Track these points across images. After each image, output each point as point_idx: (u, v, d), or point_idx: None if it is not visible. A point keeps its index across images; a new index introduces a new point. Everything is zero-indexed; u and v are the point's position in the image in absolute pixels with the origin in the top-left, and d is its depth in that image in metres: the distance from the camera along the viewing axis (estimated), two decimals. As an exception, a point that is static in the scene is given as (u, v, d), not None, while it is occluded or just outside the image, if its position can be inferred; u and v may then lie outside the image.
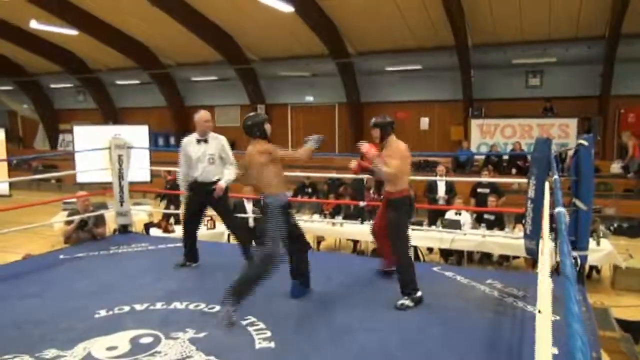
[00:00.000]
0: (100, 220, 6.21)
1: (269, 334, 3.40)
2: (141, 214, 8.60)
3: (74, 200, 6.85)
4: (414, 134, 15.46)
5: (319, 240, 8.85)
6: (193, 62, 17.22)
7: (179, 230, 7.68)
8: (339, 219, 8.20)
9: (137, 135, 10.70)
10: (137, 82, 18.60)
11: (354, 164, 4.34)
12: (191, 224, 5.05)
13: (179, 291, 4.21)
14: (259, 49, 15.88)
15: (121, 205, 6.34)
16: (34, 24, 14.22)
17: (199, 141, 4.91)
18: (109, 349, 3.18)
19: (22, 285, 4.50)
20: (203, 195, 4.88)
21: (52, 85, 20.90)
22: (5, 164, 11.45)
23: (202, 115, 4.95)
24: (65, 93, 20.97)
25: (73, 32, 14.97)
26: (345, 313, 3.81)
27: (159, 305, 3.90)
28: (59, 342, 3.24)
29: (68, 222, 6.18)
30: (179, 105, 18.57)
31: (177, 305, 3.92)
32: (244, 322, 3.58)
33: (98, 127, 14.07)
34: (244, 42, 15.54)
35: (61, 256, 5.39)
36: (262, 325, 3.52)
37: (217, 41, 15.12)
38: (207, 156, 4.89)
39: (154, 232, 7.67)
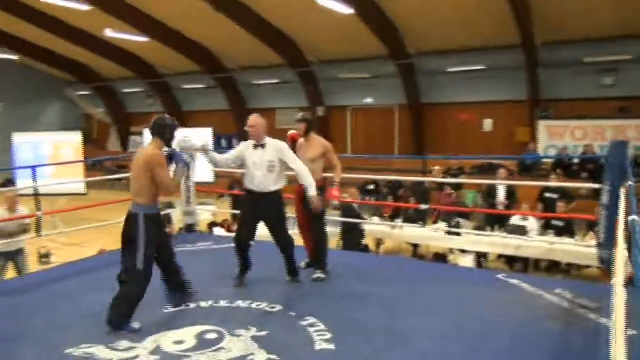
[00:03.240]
0: (167, 220, 6.49)
1: (329, 335, 3.43)
2: (205, 213, 8.89)
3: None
4: (476, 135, 15.03)
5: (378, 243, 8.80)
6: (255, 66, 17.61)
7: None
8: (398, 222, 8.12)
9: (202, 137, 11.12)
10: (202, 86, 19.24)
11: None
12: None
13: (241, 290, 4.33)
14: (319, 51, 16.01)
15: (187, 205, 6.59)
16: (109, 33, 15.09)
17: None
18: (177, 343, 3.33)
19: (98, 279, 4.76)
20: None
21: (125, 90, 22.05)
22: (82, 164, 12.19)
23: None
24: (136, 97, 22.04)
25: (144, 39, 15.75)
26: (406, 318, 3.77)
27: (223, 303, 4.03)
28: (130, 335, 3.42)
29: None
30: (241, 108, 19.04)
31: (240, 303, 4.03)
32: (304, 323, 3.63)
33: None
34: (304, 45, 15.72)
35: (132, 253, 5.66)
36: (322, 327, 3.55)
37: (278, 45, 15.39)
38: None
39: (218, 231, 7.92)
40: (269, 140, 4.37)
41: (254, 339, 3.38)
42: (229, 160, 4.54)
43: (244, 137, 15.89)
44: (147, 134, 12.30)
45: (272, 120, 18.88)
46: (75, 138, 12.35)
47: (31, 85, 22.05)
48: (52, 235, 6.12)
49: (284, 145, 4.38)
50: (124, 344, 3.30)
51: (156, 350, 3.23)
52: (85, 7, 13.18)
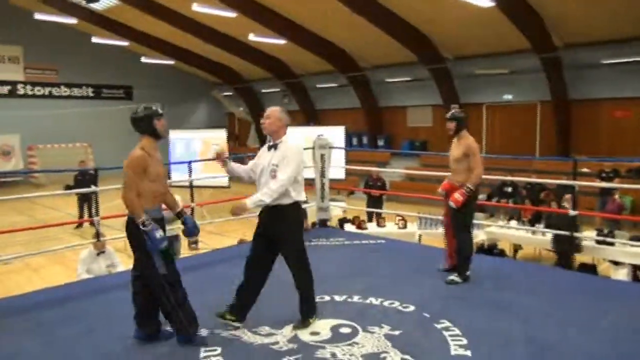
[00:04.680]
0: (303, 214, 6.75)
1: (465, 341, 3.31)
2: (337, 209, 9.09)
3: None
4: (634, 134, 13.40)
5: (516, 248, 8.29)
6: (388, 64, 17.59)
7: (371, 228, 7.97)
8: (539, 226, 7.56)
9: (334, 135, 11.44)
10: (335, 85, 19.72)
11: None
12: None
13: (374, 287, 4.35)
14: (454, 47, 15.48)
15: (322, 200, 6.80)
16: (252, 37, 16.16)
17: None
18: (313, 333, 3.46)
19: (239, 266, 5.11)
20: None
21: (263, 90, 23.45)
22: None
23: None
24: (273, 97, 23.29)
25: (282, 41, 16.59)
26: (550, 331, 3.50)
27: (355, 299, 4.09)
28: (270, 322, 3.63)
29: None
30: (372, 107, 19.16)
31: (373, 300, 4.06)
32: (439, 326, 3.55)
33: (300, 127, 15.37)
34: (439, 41, 15.31)
35: (270, 244, 5.99)
36: (457, 332, 3.44)
37: (412, 42, 15.19)
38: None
39: (348, 227, 8.05)
40: (285, 141, 3.57)
41: (387, 337, 3.38)
42: (249, 173, 3.77)
43: (373, 135, 16.05)
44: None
45: (403, 118, 18.77)
46: (221, 135, 13.41)
47: (183, 87, 24.48)
48: (201, 224, 6.73)
49: (294, 150, 3.53)
50: (266, 329, 3.52)
51: (294, 339, 3.39)
52: (232, 14, 14.27)
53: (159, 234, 3.16)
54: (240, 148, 24.21)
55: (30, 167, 19.18)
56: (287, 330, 3.50)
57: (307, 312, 3.60)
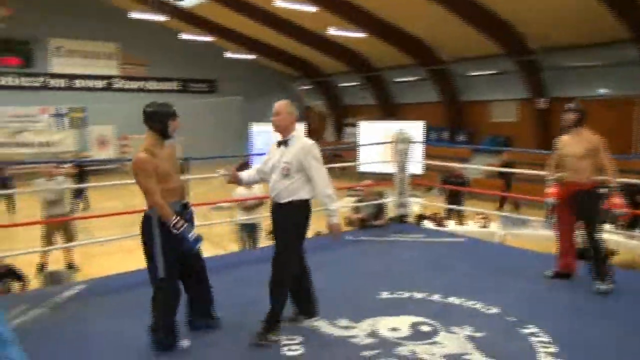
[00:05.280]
0: (380, 210, 6.70)
1: (554, 349, 3.13)
2: (414, 205, 8.92)
3: (357, 188, 7.55)
4: None
5: (611, 253, 7.71)
6: (470, 57, 16.97)
7: (450, 225, 7.75)
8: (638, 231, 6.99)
9: (413, 130, 11.25)
10: (413, 78, 19.34)
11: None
12: None
13: (454, 286, 4.22)
14: (543, 38, 14.61)
15: (401, 196, 6.71)
16: (331, 31, 16.22)
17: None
18: (392, 329, 3.42)
19: (316, 260, 5.12)
20: None
21: (341, 84, 23.49)
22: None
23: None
24: (351, 90, 23.27)
25: (361, 34, 16.51)
26: (651, 344, 3.23)
27: (436, 297, 3.99)
28: (349, 315, 3.63)
29: (355, 210, 6.86)
30: (452, 101, 18.61)
31: (454, 300, 3.94)
32: (525, 331, 3.38)
33: (379, 122, 15.25)
34: (527, 31, 14.53)
35: (349, 237, 5.99)
36: (546, 339, 3.26)
37: (497, 33, 14.55)
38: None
39: (426, 224, 7.87)
40: (296, 137, 3.43)
41: (469, 338, 3.28)
42: (260, 174, 3.60)
43: (454, 130, 15.57)
44: (362, 126, 13.02)
45: (486, 112, 18.07)
46: (299, 128, 13.63)
47: (263, 81, 25.06)
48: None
49: (311, 146, 3.40)
50: (344, 322, 3.52)
51: (372, 334, 3.36)
52: (312, 9, 14.40)
53: (191, 234, 3.10)
54: (317, 142, 24.45)
55: (123, 156, 20.56)
56: (366, 324, 3.48)
57: (267, 324, 3.28)
